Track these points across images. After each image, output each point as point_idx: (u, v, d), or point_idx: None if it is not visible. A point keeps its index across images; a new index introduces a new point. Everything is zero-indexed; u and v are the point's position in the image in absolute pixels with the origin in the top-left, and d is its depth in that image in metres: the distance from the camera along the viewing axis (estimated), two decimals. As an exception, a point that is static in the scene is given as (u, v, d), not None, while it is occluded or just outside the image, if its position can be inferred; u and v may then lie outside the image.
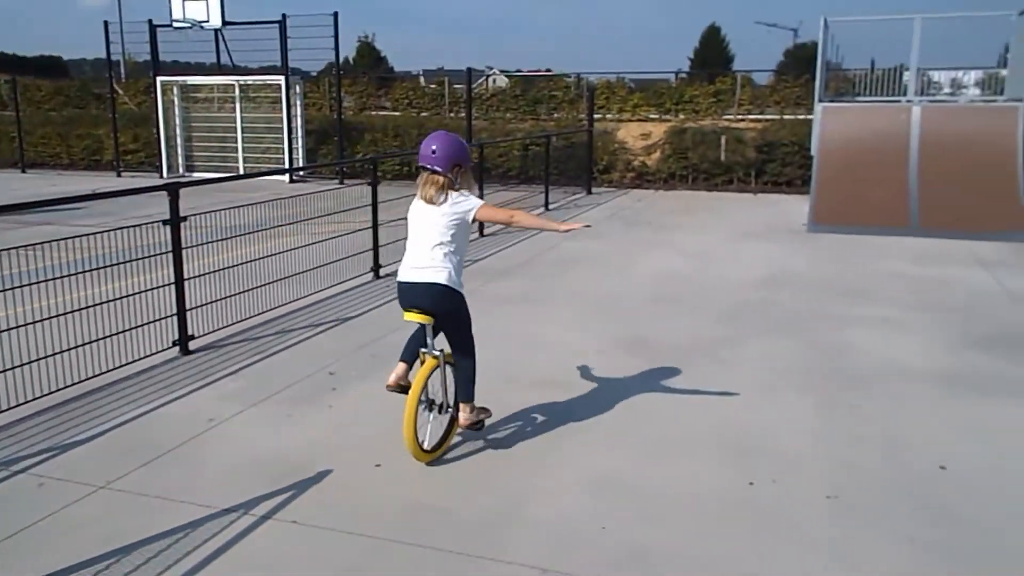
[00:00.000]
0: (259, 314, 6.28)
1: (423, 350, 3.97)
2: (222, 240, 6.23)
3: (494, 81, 27.88)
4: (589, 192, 14.82)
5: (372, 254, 7.82)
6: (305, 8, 15.78)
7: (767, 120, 16.42)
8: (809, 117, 12.91)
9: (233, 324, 6.02)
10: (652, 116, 17.73)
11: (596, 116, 17.09)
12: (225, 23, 16.50)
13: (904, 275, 7.94)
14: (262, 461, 3.91)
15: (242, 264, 6.25)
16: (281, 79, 16.46)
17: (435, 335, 3.96)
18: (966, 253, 8.94)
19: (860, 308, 6.73)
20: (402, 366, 4.01)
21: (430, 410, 3.99)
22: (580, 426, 4.36)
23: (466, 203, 3.80)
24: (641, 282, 7.74)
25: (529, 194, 13.22)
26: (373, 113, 20.03)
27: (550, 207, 12.58)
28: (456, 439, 4.17)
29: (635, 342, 5.83)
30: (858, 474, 3.80)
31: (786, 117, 16.46)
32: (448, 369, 4.04)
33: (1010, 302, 6.88)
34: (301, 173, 16.87)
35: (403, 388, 3.94)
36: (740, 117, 16.99)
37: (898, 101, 12.44)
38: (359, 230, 7.75)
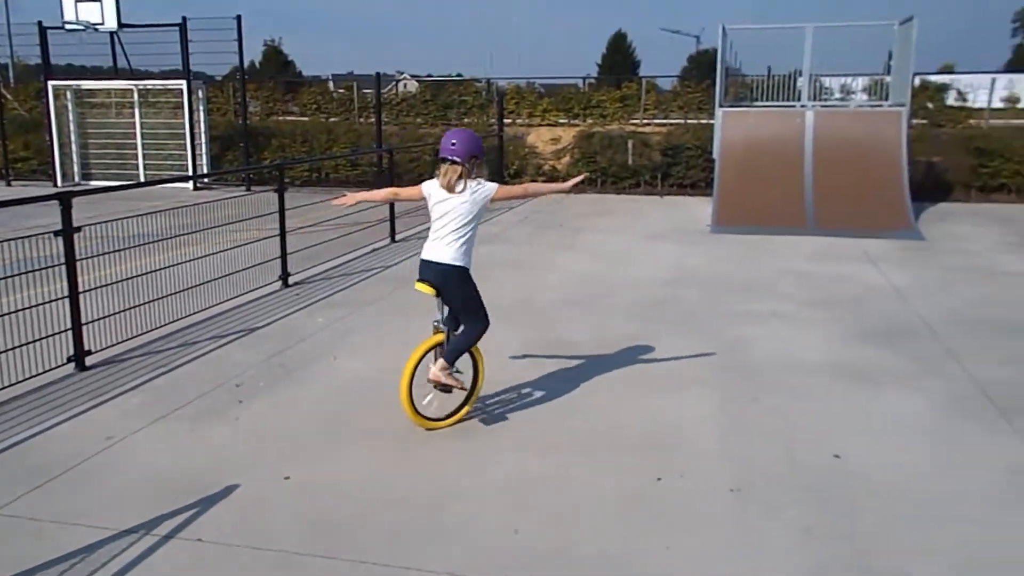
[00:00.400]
0: (161, 326, 6.08)
1: (434, 322, 4.50)
2: (121, 251, 6.00)
3: (404, 86, 27.72)
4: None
5: (280, 262, 7.67)
6: (209, 11, 15.37)
7: (672, 124, 16.87)
8: (711, 121, 13.33)
9: (134, 338, 5.81)
10: (561, 121, 17.99)
11: (506, 121, 17.22)
12: (121, 25, 15.87)
13: (801, 272, 8.29)
14: (165, 478, 3.79)
15: (143, 275, 6.04)
16: (182, 83, 15.95)
17: (448, 310, 4.45)
18: (857, 251, 9.41)
19: (760, 304, 7.00)
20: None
21: (438, 386, 4.39)
22: (492, 429, 4.40)
23: (484, 190, 4.29)
24: (553, 284, 7.85)
25: (441, 199, 13.20)
26: (280, 118, 19.64)
27: (462, 212, 12.59)
28: (364, 452, 4.14)
29: (547, 343, 5.90)
30: (759, 466, 3.95)
31: (690, 121, 16.96)
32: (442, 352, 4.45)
33: (896, 297, 7.27)
34: (206, 180, 16.39)
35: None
36: (646, 121, 17.41)
37: (793, 106, 12.99)
38: (266, 238, 7.60)
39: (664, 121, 17.46)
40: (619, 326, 6.36)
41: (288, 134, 17.47)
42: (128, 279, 5.89)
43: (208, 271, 6.68)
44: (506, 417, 4.56)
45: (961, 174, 13.71)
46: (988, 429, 4.37)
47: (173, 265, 6.32)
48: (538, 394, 4.92)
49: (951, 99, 15.82)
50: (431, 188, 4.36)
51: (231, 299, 6.89)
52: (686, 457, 4.03)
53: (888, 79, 13.08)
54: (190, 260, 6.54)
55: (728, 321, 6.49)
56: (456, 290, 4.32)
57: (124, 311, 5.80)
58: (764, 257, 9.13)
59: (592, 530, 3.37)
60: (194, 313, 6.43)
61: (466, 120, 18.27)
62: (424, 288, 4.32)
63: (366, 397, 4.86)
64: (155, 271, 6.17)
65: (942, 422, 4.49)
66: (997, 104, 16.67)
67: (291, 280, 7.74)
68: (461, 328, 4.43)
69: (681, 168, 15.28)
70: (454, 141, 4.25)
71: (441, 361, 4.34)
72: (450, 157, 4.25)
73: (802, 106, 12.80)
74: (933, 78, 16.70)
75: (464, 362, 4.45)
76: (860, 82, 14.38)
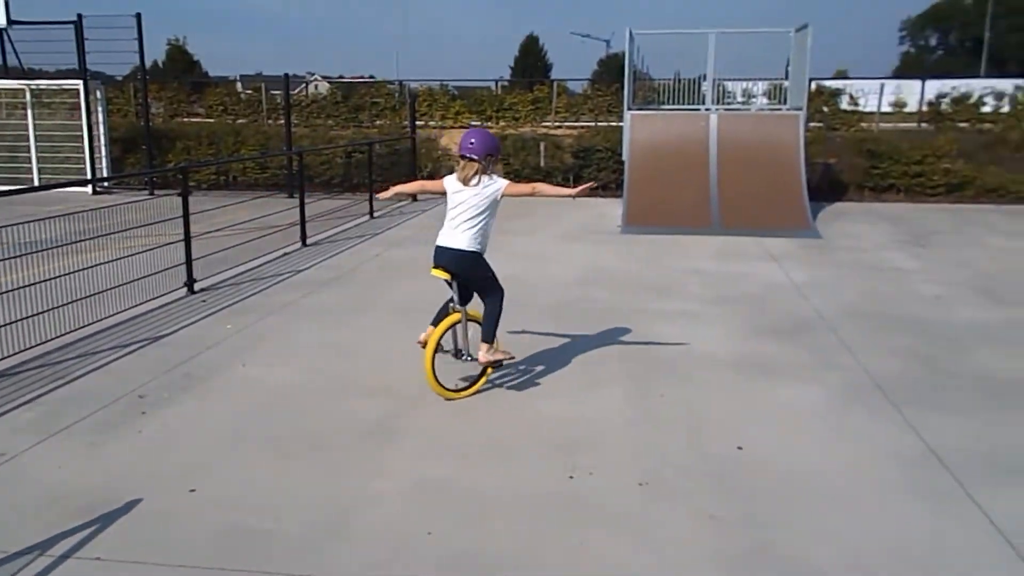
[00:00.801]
0: (58, 337, 5.83)
1: (451, 304, 4.89)
2: (14, 258, 5.71)
3: (315, 87, 27.29)
4: (415, 199, 14.84)
5: (185, 268, 7.45)
6: (108, 8, 14.77)
7: (583, 127, 17.13)
8: (620, 124, 13.60)
9: (27, 349, 5.54)
10: (474, 123, 18.04)
11: (419, 123, 17.16)
12: (11, 22, 15.09)
13: (707, 271, 8.56)
14: (62, 496, 3.64)
15: (37, 283, 5.77)
16: (79, 83, 15.28)
17: (462, 294, 4.84)
18: (760, 250, 9.77)
19: (668, 303, 7.20)
20: (430, 328, 4.90)
21: (457, 355, 4.92)
22: (405, 432, 4.39)
23: (494, 185, 4.70)
24: (466, 287, 7.87)
25: (353, 202, 13.07)
26: (185, 120, 19.06)
27: (375, 215, 12.49)
28: (273, 460, 4.08)
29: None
30: (666, 459, 4.07)
31: (600, 124, 17.26)
32: (461, 329, 4.90)
33: (796, 293, 7.59)
34: (105, 184, 15.74)
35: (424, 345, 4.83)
36: (557, 124, 17.64)
37: (698, 109, 13.38)
38: (171, 243, 7.37)
39: (575, 124, 17.73)
40: (533, 326, 6.43)
41: (193, 136, 16.95)
42: (22, 287, 5.62)
43: (109, 278, 6.44)
44: (418, 421, 4.56)
45: (855, 175, 14.40)
46: (880, 418, 4.61)
47: (71, 272, 6.06)
48: (442, 408, 4.93)
49: (844, 103, 16.60)
50: (450, 181, 4.79)
51: (133, 307, 6.66)
52: (597, 454, 4.11)
53: (786, 84, 13.61)
54: (89, 267, 6.29)
55: (638, 319, 6.65)
56: (472, 272, 4.77)
57: (17, 321, 5.53)
58: (672, 256, 9.38)
59: (505, 530, 3.41)
60: (94, 322, 6.18)
61: (378, 122, 18.13)
62: (439, 273, 4.73)
63: (276, 404, 4.78)
64: (51, 279, 5.90)
65: (838, 412, 4.72)
66: (886, 108, 17.58)
67: (197, 286, 7.53)
68: (485, 305, 4.87)
69: (592, 170, 15.52)
70: (472, 140, 4.71)
71: (483, 345, 4.80)
72: (468, 154, 4.70)
73: (707, 109, 13.21)
74: (828, 83, 17.49)
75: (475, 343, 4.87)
76: (761, 86, 14.95)
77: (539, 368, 5.45)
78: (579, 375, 5.32)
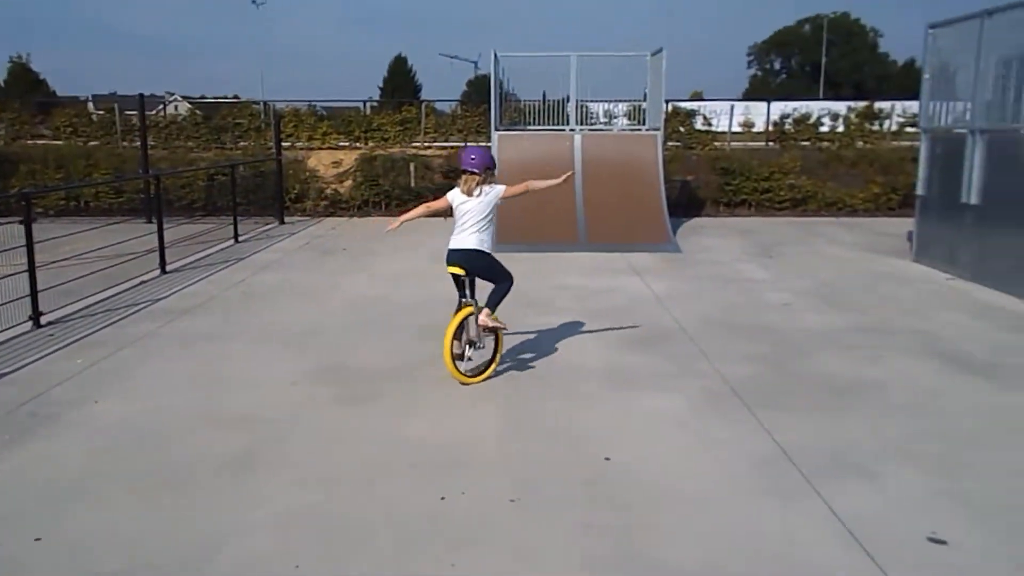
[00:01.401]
0: None
1: (463, 299, 5.50)
2: None
3: (175, 108, 26.21)
4: (282, 222, 14.50)
5: (30, 300, 6.98)
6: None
7: (452, 147, 17.25)
8: (489, 144, 13.78)
9: None
10: (343, 144, 17.82)
11: (286, 144, 16.79)
12: None
13: (576, 286, 8.80)
14: None
15: None
16: (-98, 103, 14.05)
17: (472, 289, 5.48)
18: (624, 264, 10.13)
19: (540, 318, 7.34)
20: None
21: (471, 346, 5.50)
22: (271, 462, 4.28)
23: (494, 191, 5.43)
24: (337, 309, 7.76)
25: (217, 226, 12.62)
26: (30, 142, 17.84)
27: (240, 239, 12.11)
28: (132, 498, 3.88)
29: (331, 370, 5.83)
30: (538, 473, 4.15)
31: (469, 144, 17.42)
32: (473, 321, 5.48)
33: (658, 305, 7.92)
34: (-64, 211, 14.50)
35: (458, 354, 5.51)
36: (427, 144, 17.68)
37: (563, 130, 13.77)
38: (13, 274, 6.89)
39: (445, 144, 17.82)
40: (405, 347, 6.41)
41: (39, 159, 15.93)
42: None
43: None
44: (285, 449, 4.46)
45: (710, 191, 15.19)
46: (736, 421, 4.87)
47: None
48: (319, 423, 4.85)
49: (699, 124, 17.50)
50: (454, 195, 5.48)
51: (-30, 345, 6.18)
52: (468, 473, 4.15)
53: (645, 105, 14.21)
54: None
55: (509, 335, 6.74)
56: (481, 264, 5.46)
57: None
58: (542, 273, 9.57)
59: (377, 556, 3.38)
60: (-77, 363, 5.69)
61: (242, 144, 17.61)
62: (454, 270, 5.44)
63: (133, 441, 4.55)
64: None
65: (698, 418, 4.95)
66: (736, 128, 18.65)
67: (44, 319, 7.07)
68: (495, 285, 5.53)
69: (463, 189, 15.62)
70: (473, 156, 5.44)
71: (485, 308, 5.43)
72: (470, 169, 5.40)
73: (571, 130, 13.60)
74: (684, 104, 18.37)
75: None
76: (622, 107, 15.52)
77: (410, 388, 5.44)
78: (451, 394, 5.35)
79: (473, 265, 5.44)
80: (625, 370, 5.86)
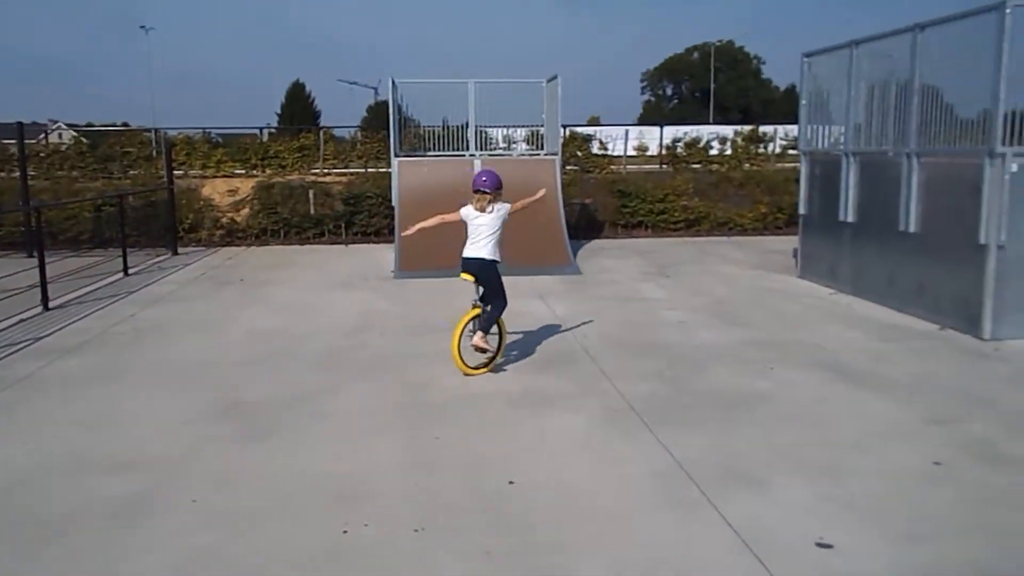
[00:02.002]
0: None
1: (473, 300, 6.29)
2: None
3: (59, 136, 25.03)
4: (175, 253, 14.01)
5: None
6: None
7: (352, 174, 17.12)
8: (390, 170, 13.75)
9: None
10: (239, 172, 17.42)
11: (178, 173, 16.28)
12: None
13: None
14: None
15: None
16: None
17: (484, 295, 6.28)
18: (528, 287, 10.25)
19: (441, 344, 7.30)
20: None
21: (479, 348, 6.18)
22: (165, 505, 4.11)
23: (502, 208, 6.35)
24: (234, 342, 7.54)
25: (105, 259, 12.09)
26: None
27: (130, 272, 11.63)
28: (13, 552, 3.66)
29: (227, 406, 5.66)
30: (441, 502, 4.13)
31: (370, 170, 17.33)
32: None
33: (561, 326, 8.05)
34: None
35: (481, 349, 6.22)
36: (326, 171, 17.47)
37: (463, 155, 13.87)
38: None
39: (345, 170, 17.66)
40: (302, 379, 6.29)
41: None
42: None
43: None
44: (179, 491, 4.29)
45: (608, 214, 15.58)
46: (636, 439, 4.99)
47: None
48: (215, 461, 4.70)
49: (596, 148, 17.96)
50: (467, 211, 6.34)
51: None
52: (371, 505, 4.09)
53: (543, 130, 14.49)
54: None
55: (413, 363, 6.73)
56: (487, 276, 6.22)
57: None
58: (444, 298, 9.57)
59: (277, 594, 3.30)
60: None
61: (132, 173, 16.96)
62: (467, 277, 6.25)
63: (11, 491, 4.28)
64: None
65: (600, 437, 5.05)
66: (631, 152, 19.24)
67: (-90, 365, 6.60)
68: (489, 306, 6.25)
69: (364, 216, 15.54)
70: (484, 178, 6.34)
71: (479, 332, 6.16)
72: (483, 189, 6.27)
73: (471, 155, 13.72)
74: (581, 129, 18.83)
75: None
76: (521, 132, 15.75)
77: (310, 421, 5.34)
78: (355, 425, 5.28)
79: (482, 275, 6.24)
80: (528, 393, 5.92)
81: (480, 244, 6.29)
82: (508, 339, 6.88)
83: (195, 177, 16.84)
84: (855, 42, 9.37)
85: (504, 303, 6.35)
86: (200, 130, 20.32)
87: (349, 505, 4.09)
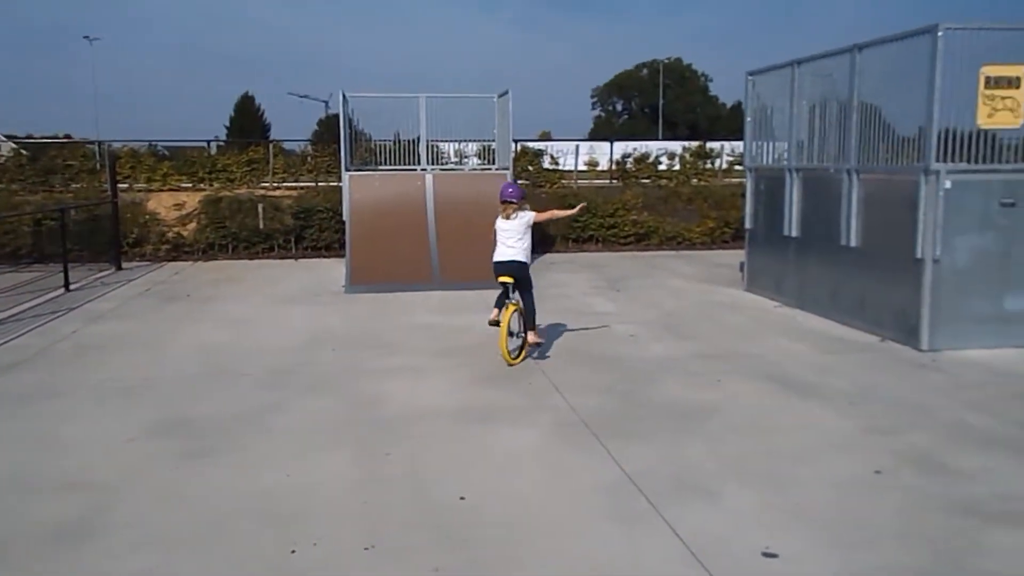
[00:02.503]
0: None
1: (508, 300, 7.03)
2: None
3: (-4, 148, 24.30)
4: (119, 268, 13.69)
5: None
6: None
7: (302, 187, 16.96)
8: (341, 184, 13.66)
9: None
10: (185, 185, 17.13)
11: (123, 186, 15.94)
12: None
13: (429, 325, 8.82)
14: None
15: None
16: None
17: (514, 291, 7.04)
18: (478, 301, 10.24)
19: (391, 359, 7.31)
20: (496, 310, 7.09)
21: (511, 335, 7.02)
22: (107, 527, 4.00)
23: (527, 216, 7.05)
24: (179, 359, 7.40)
25: (45, 274, 11.78)
26: None
27: (71, 287, 11.33)
28: None
29: (172, 423, 5.54)
30: (391, 518, 4.10)
31: (320, 184, 17.19)
32: (517, 315, 7.13)
33: (512, 341, 8.07)
34: None
35: (497, 323, 6.99)
36: (276, 185, 17.28)
37: (415, 169, 13.86)
38: None
39: (295, 184, 17.49)
40: (250, 396, 6.20)
41: None
42: None
43: None
44: (122, 512, 4.19)
45: (559, 228, 15.68)
46: (586, 452, 5.02)
47: None
48: (158, 481, 4.59)
49: (547, 163, 18.10)
50: (499, 220, 7.06)
51: None
52: (320, 524, 4.04)
53: (495, 145, 14.56)
54: None
55: (362, 378, 6.68)
56: (523, 274, 7.04)
57: None
58: (396, 313, 9.55)
59: (223, 616, 3.23)
60: None
61: (74, 186, 16.54)
62: (504, 279, 6.97)
63: (-56, 515, 4.14)
64: None
65: (550, 451, 5.07)
66: (582, 167, 19.43)
67: None
68: (524, 304, 7.11)
69: (314, 231, 15.40)
70: (511, 190, 7.12)
71: (531, 332, 7.11)
72: (509, 199, 7.03)
73: (423, 169, 13.72)
74: (532, 144, 18.96)
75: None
76: (472, 147, 15.80)
77: (257, 438, 5.26)
78: (303, 443, 5.21)
79: (516, 274, 7.00)
80: (479, 407, 5.92)
81: (507, 246, 6.99)
82: (457, 355, 6.86)
83: (140, 191, 16.50)
84: (797, 61, 9.64)
85: (533, 296, 7.21)
86: (146, 143, 19.97)
87: (297, 523, 4.03)
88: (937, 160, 7.37)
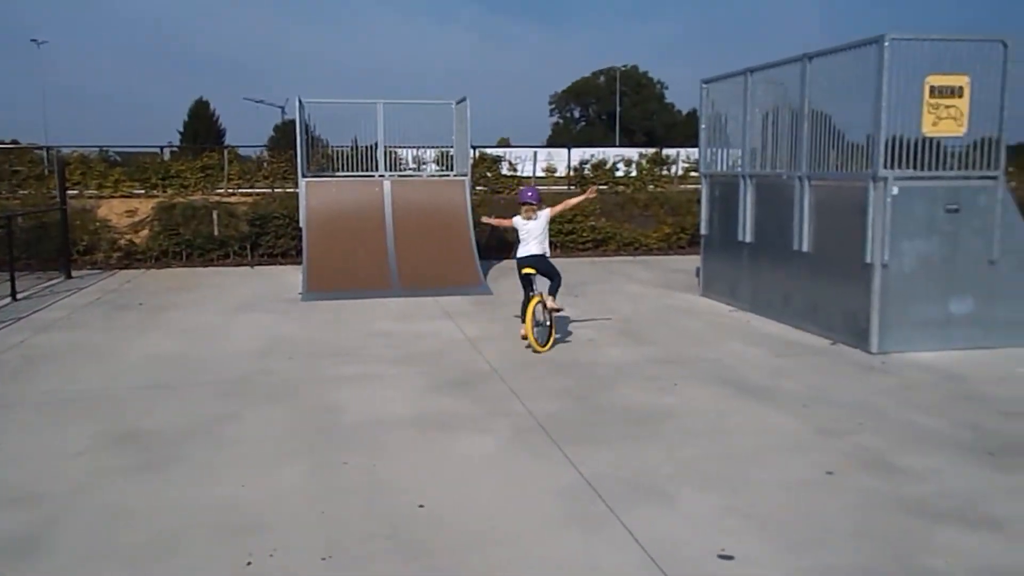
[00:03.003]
0: None
1: (531, 292, 7.85)
2: None
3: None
4: (69, 276, 13.38)
5: None
6: None
7: (258, 194, 16.75)
8: (297, 191, 13.53)
9: None
10: (138, 191, 16.80)
11: (73, 193, 15.59)
12: None
13: (388, 332, 8.78)
14: None
15: None
16: None
17: (536, 284, 7.93)
18: (437, 308, 10.25)
19: (349, 367, 7.25)
20: (523, 325, 7.86)
21: (537, 324, 7.76)
22: (53, 543, 3.90)
23: (545, 214, 7.93)
24: (131, 369, 7.25)
25: (-11, 284, 11.43)
26: None
27: (18, 296, 11.03)
28: None
29: (124, 435, 5.43)
30: (349, 527, 4.07)
31: (276, 191, 17.00)
32: (540, 306, 7.88)
33: (470, 347, 8.07)
34: None
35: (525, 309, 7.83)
36: (231, 191, 17.04)
37: (372, 176, 13.79)
38: None
39: (251, 190, 17.27)
40: (204, 406, 6.10)
41: None
42: None
43: None
44: (69, 527, 4.09)
45: (515, 233, 15.69)
46: (545, 457, 5.04)
47: None
48: (109, 495, 4.49)
49: (505, 169, 18.15)
50: (518, 220, 7.96)
51: None
52: (277, 535, 3.99)
53: (453, 151, 14.55)
54: None
55: (319, 387, 6.61)
56: (544, 265, 7.93)
57: None
58: (354, 320, 9.48)
59: (176, 631, 3.18)
60: None
61: (21, 192, 16.11)
62: (528, 270, 7.87)
63: None
64: None
65: (508, 457, 5.07)
66: (540, 173, 19.52)
67: None
68: (551, 280, 7.98)
69: (270, 237, 15.23)
70: (530, 193, 8.04)
71: (550, 298, 7.89)
72: (529, 201, 7.90)
73: (380, 175, 13.66)
74: (491, 151, 18.99)
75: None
76: (431, 153, 15.77)
77: (210, 450, 5.18)
78: (257, 453, 5.14)
79: (540, 266, 7.88)
80: (438, 415, 5.90)
81: (531, 244, 7.89)
82: (415, 362, 6.82)
83: (91, 197, 16.14)
84: (750, 70, 9.82)
85: (560, 274, 8.06)
86: (96, 148, 19.55)
87: (254, 535, 3.98)
88: (885, 167, 7.56)
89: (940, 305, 7.79)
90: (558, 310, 8.02)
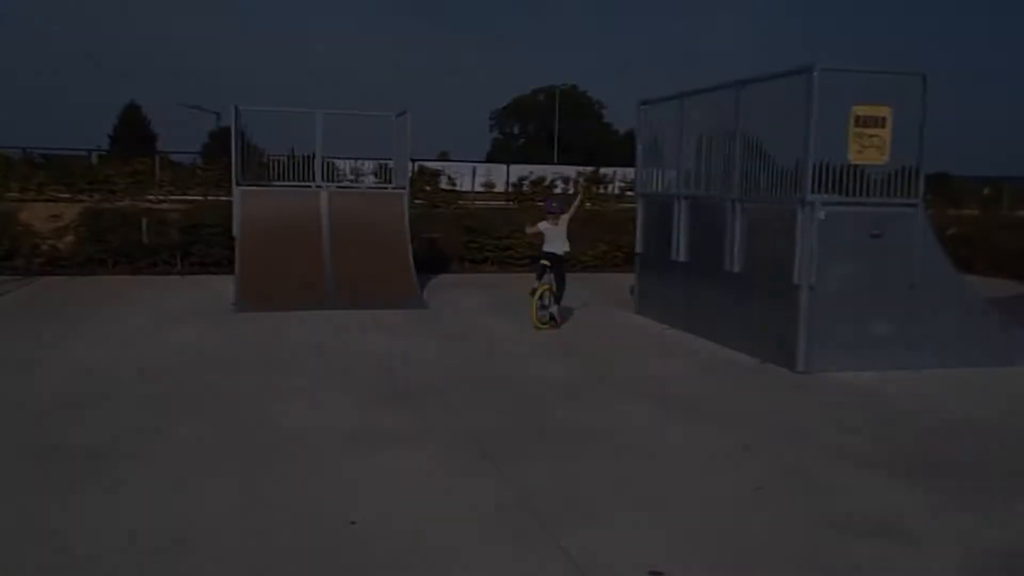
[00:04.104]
0: None
1: (542, 281, 9.50)
2: None
3: None
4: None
5: None
6: None
7: (191, 201, 16.35)
8: (232, 199, 13.24)
9: None
10: (63, 196, 16.22)
11: (-9, 194, 14.97)
12: None
13: (323, 346, 8.64)
14: None
15: None
16: None
17: (549, 273, 9.54)
18: (373, 321, 10.14)
19: (284, 380, 7.11)
20: (538, 283, 9.59)
21: (542, 307, 9.56)
22: (-36, 564, 3.73)
23: (564, 219, 9.69)
24: (51, 380, 6.97)
25: (-102, 288, 10.87)
26: None
27: (-71, 303, 10.52)
28: None
29: (41, 450, 5.21)
30: (278, 545, 3.98)
31: (210, 199, 16.62)
32: (548, 293, 9.61)
33: (406, 362, 8.00)
34: None
35: (534, 291, 9.58)
36: (162, 198, 16.60)
37: (309, 186, 13.61)
38: None
39: (183, 198, 16.84)
40: (125, 421, 5.90)
41: None
42: None
43: None
44: (-16, 545, 3.90)
45: (455, 248, 15.72)
46: (479, 473, 5.03)
47: None
48: (14, 518, 4.29)
49: (444, 183, 18.15)
50: (545, 226, 9.65)
51: None
52: (202, 555, 3.88)
53: (392, 164, 14.46)
54: None
55: (249, 401, 6.47)
56: (558, 267, 9.54)
57: None
58: (287, 333, 9.31)
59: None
60: None
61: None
62: (546, 261, 9.45)
63: None
64: None
65: (443, 472, 5.04)
66: (479, 188, 19.59)
67: None
68: (556, 284, 9.59)
69: (202, 246, 14.85)
70: (555, 204, 9.91)
71: (555, 305, 9.60)
72: (556, 211, 9.67)
73: (317, 186, 13.48)
74: (430, 164, 18.98)
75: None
76: (369, 165, 15.66)
77: (130, 467, 5.00)
78: (182, 469, 5.00)
79: (557, 262, 9.54)
80: (370, 430, 5.84)
81: (554, 243, 9.54)
82: (350, 376, 6.71)
83: (12, 200, 15.51)
84: (685, 93, 10.04)
85: (565, 280, 9.68)
86: (19, 149, 18.87)
87: (178, 556, 3.86)
88: (813, 192, 7.82)
89: (864, 326, 8.06)
90: (556, 325, 9.72)
